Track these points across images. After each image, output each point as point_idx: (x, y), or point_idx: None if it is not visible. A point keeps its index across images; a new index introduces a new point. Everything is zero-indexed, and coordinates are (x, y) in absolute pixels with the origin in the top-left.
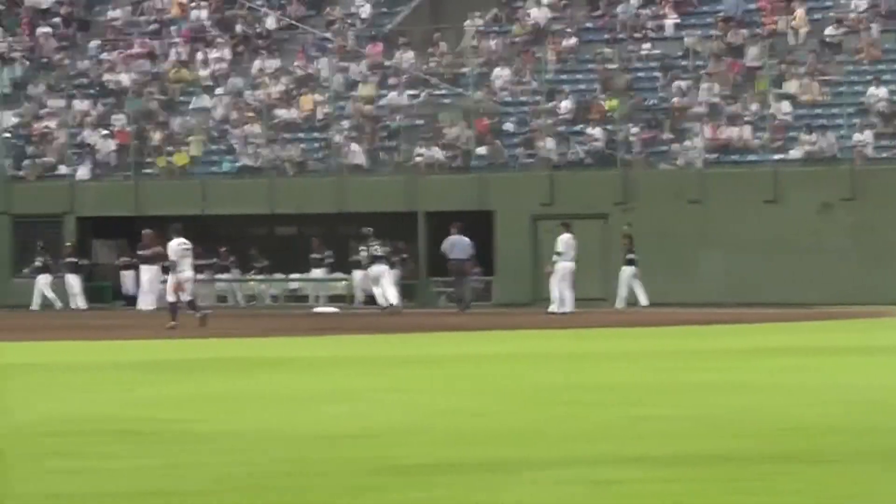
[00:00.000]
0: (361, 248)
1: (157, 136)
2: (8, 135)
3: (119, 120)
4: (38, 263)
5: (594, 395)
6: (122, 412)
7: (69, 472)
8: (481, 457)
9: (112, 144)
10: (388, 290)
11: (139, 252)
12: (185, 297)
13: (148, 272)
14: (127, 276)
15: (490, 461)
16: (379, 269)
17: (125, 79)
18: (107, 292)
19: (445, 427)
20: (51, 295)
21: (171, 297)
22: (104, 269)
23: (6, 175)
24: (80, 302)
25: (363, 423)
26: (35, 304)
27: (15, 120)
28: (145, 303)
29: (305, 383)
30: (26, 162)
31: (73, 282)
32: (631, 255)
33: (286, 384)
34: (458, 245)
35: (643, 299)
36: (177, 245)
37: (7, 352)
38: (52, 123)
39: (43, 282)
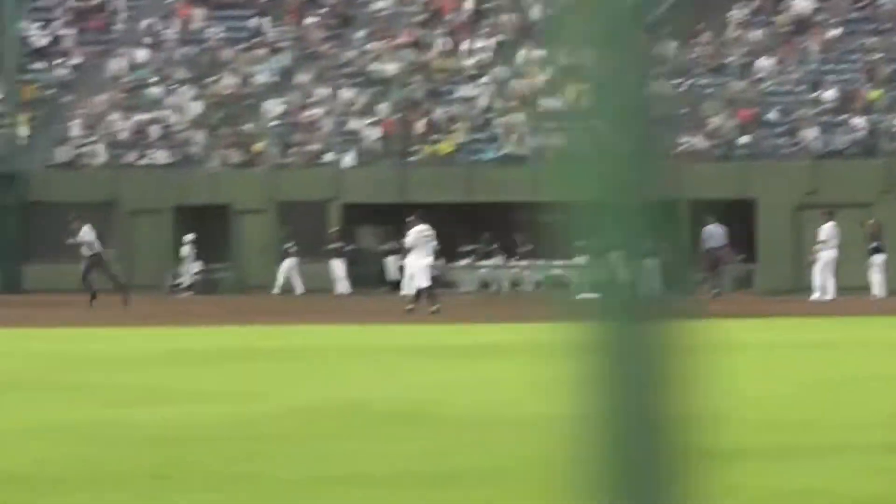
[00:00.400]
0: None
1: (421, 125)
2: (275, 123)
3: (384, 108)
4: (287, 248)
5: (865, 385)
6: (382, 396)
7: (329, 455)
8: (766, 443)
9: (377, 132)
10: None
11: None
12: (417, 284)
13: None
14: (391, 262)
15: (774, 447)
16: None
17: (391, 68)
18: (371, 278)
19: (724, 414)
20: (282, 280)
21: (424, 283)
22: (369, 254)
23: (273, 162)
24: (343, 287)
25: None
26: (277, 287)
27: (282, 108)
28: (408, 288)
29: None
30: (292, 149)
31: (338, 267)
32: (877, 244)
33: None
34: (714, 235)
35: (877, 289)
36: (417, 232)
37: (269, 336)
38: (319, 111)
39: (287, 266)
